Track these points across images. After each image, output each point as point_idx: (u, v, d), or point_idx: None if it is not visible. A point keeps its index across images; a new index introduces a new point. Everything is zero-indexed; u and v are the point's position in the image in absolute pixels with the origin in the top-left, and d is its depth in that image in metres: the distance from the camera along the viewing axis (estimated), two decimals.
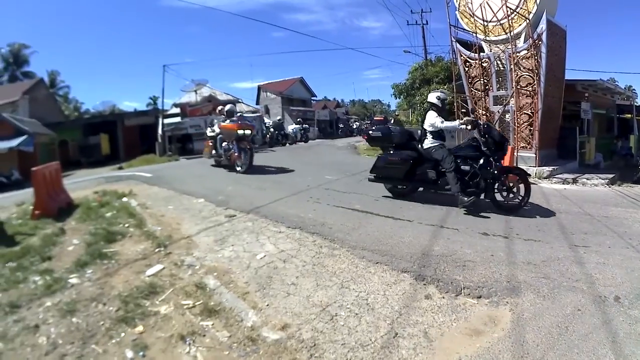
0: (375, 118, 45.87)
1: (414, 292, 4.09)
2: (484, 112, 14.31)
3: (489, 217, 6.89)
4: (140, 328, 3.43)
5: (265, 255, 4.94)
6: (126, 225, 6.35)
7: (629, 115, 21.63)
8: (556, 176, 12.29)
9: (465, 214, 7.09)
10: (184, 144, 25.47)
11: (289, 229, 5.97)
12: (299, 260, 4.80)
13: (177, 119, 26.65)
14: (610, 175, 12.62)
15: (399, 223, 6.47)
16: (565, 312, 3.70)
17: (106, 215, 7.01)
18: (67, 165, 23.94)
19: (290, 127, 31.93)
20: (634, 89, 29.79)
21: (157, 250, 5.22)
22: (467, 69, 14.71)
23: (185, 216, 7.00)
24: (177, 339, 3.28)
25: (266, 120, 32.67)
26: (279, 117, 33.80)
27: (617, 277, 4.47)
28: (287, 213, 6.89)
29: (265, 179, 11.03)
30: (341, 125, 40.49)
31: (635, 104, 21.81)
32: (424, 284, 4.23)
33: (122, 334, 3.34)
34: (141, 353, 3.11)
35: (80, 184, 11.81)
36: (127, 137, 29.58)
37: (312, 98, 53.97)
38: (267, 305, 3.83)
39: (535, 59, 12.42)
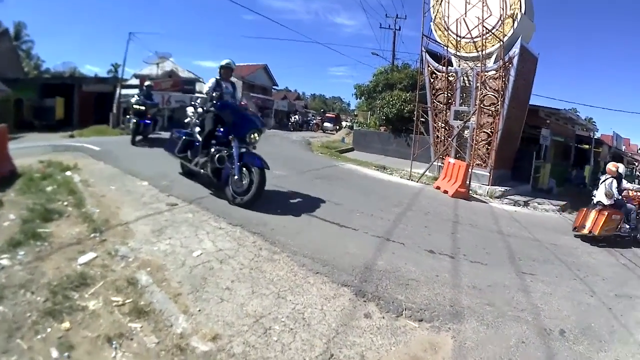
0: (327, 115, 46.16)
1: (353, 309, 3.90)
2: (443, 125, 14.36)
3: (438, 237, 6.76)
4: (67, 324, 3.16)
5: (202, 253, 4.62)
6: (65, 203, 6.02)
7: (587, 146, 22.33)
8: (508, 197, 12.45)
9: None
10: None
11: (229, 225, 5.64)
12: (237, 262, 4.51)
13: (135, 91, 25.77)
14: (562, 203, 12.95)
15: (344, 231, 6.26)
16: (509, 343, 3.65)
17: (47, 189, 6.70)
18: (20, 127, 23.20)
19: None
20: (594, 122, 30.87)
21: (92, 235, 4.87)
22: (432, 80, 14.79)
23: (126, 199, 6.60)
24: (103, 341, 3.03)
25: None
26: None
27: (563, 310, 4.48)
28: (230, 208, 6.52)
29: None
30: (296, 117, 39.72)
31: (594, 136, 22.47)
32: (364, 301, 4.05)
33: (49, 329, 3.07)
34: (66, 354, 2.89)
35: (28, 150, 11.25)
36: (83, 104, 28.14)
37: (274, 87, 53.43)
38: (199, 310, 3.55)
39: (502, 81, 12.54)
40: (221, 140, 7.14)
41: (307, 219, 6.55)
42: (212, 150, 7.08)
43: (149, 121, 14.14)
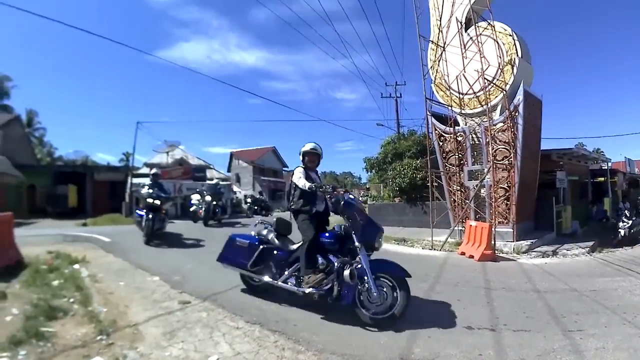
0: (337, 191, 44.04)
1: None
2: (458, 188, 14.06)
3: (474, 310, 6.24)
4: None
5: (218, 359, 4.19)
6: (71, 300, 5.79)
7: (602, 179, 21.98)
8: (535, 250, 11.97)
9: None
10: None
11: (247, 324, 5.23)
12: None
13: (147, 180, 26.09)
14: (590, 243, 12.55)
15: None
16: None
17: (53, 283, 6.54)
18: (33, 213, 24.69)
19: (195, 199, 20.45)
20: (602, 152, 30.63)
21: (98, 337, 4.52)
22: (441, 143, 14.62)
23: (136, 297, 6.34)
24: None
25: (236, 189, 32.33)
26: (259, 190, 33.23)
27: None
28: (247, 303, 6.15)
29: None
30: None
31: (608, 166, 22.20)
32: None
33: None
34: None
35: (38, 239, 11.46)
36: (96, 192, 28.89)
37: (284, 169, 54.18)
38: None
39: (511, 131, 12.35)
40: (328, 248, 5.82)
41: (331, 309, 5.88)
42: (321, 261, 5.72)
43: (163, 217, 12.64)
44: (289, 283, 5.98)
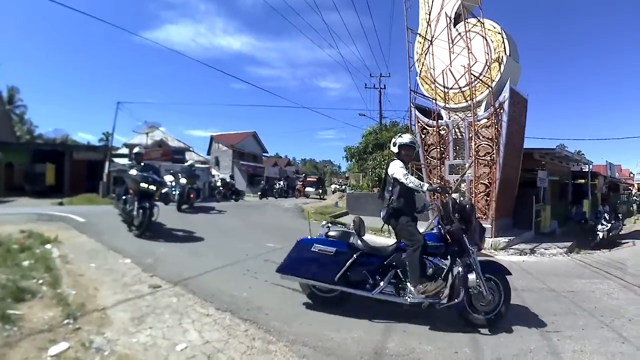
0: (308, 179, 40.40)
1: None
2: (438, 181, 14.03)
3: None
4: None
5: (186, 347, 4.04)
6: (40, 281, 5.59)
7: (583, 181, 22.24)
8: (513, 247, 12.02)
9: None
10: None
11: (218, 311, 5.09)
12: (226, 357, 3.92)
13: (125, 160, 25.76)
14: (568, 243, 12.65)
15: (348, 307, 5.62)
16: None
17: (24, 263, 6.35)
18: (10, 190, 24.93)
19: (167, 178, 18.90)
20: (583, 154, 31.12)
21: (66, 321, 4.36)
22: (423, 136, 14.49)
23: (106, 280, 6.16)
24: None
25: (214, 172, 32.03)
26: (230, 174, 32.74)
27: None
28: (219, 289, 6.01)
29: (203, 243, 10.18)
30: (280, 184, 36.03)
31: (589, 169, 22.46)
32: None
33: None
34: None
35: (13, 217, 11.48)
36: (74, 171, 28.72)
37: (264, 154, 54.91)
38: None
39: (495, 128, 12.30)
40: (433, 251, 5.37)
41: (304, 298, 5.81)
42: (433, 268, 5.32)
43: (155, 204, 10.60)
44: (387, 292, 5.33)
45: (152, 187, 10.28)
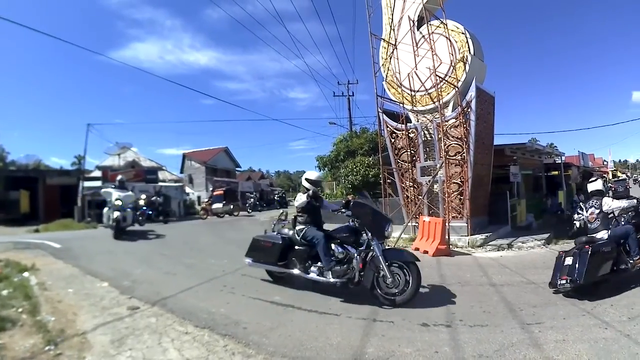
0: (215, 192, 33.38)
1: None
2: (411, 184, 14.17)
3: (429, 306, 6.17)
4: None
5: None
6: (19, 309, 5.61)
7: (556, 172, 22.65)
8: (490, 243, 12.14)
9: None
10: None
11: (197, 328, 5.07)
12: None
13: (98, 183, 25.51)
14: (545, 235, 12.85)
15: (324, 318, 5.65)
16: None
17: (2, 292, 6.39)
18: None
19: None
20: (555, 147, 31.70)
21: (46, 348, 4.35)
22: (393, 140, 14.65)
23: (84, 304, 6.14)
24: None
25: (188, 190, 31.71)
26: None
27: (583, 354, 4.15)
28: (197, 307, 6.00)
29: (178, 261, 10.11)
30: (251, 199, 35.77)
31: (561, 160, 22.84)
32: None
33: None
34: None
35: None
36: (48, 197, 28.33)
37: (237, 169, 54.69)
38: None
39: (464, 127, 12.47)
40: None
41: (282, 310, 5.97)
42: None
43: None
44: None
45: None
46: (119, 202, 13.65)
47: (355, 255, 6.44)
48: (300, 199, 6.96)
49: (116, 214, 13.30)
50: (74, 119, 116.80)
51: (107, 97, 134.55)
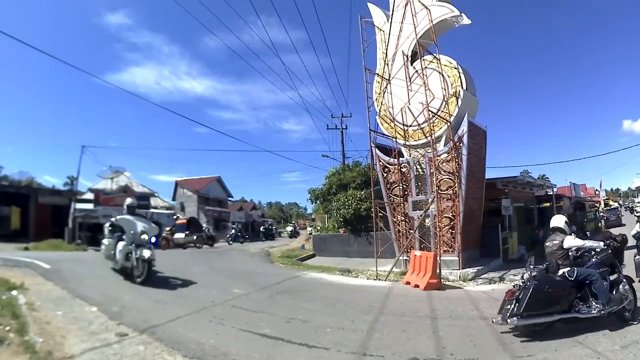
0: (178, 221, 30.48)
1: None
2: (402, 218, 14.23)
3: (419, 340, 6.18)
4: None
5: None
6: (7, 328, 5.57)
7: (548, 204, 22.75)
8: (482, 277, 12.15)
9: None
10: (94, 234, 22.99)
11: (185, 359, 5.04)
12: None
13: (90, 206, 25.46)
14: (538, 267, 12.66)
15: (314, 352, 5.58)
16: None
17: None
18: None
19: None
20: (547, 178, 31.92)
21: None
22: (385, 174, 14.81)
23: (73, 328, 6.12)
24: None
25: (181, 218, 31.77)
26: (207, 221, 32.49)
27: None
28: (186, 337, 5.96)
29: (168, 291, 9.83)
30: (233, 230, 34.59)
31: (553, 192, 23.00)
32: None
33: None
34: None
35: None
36: (40, 215, 28.15)
37: (229, 198, 54.80)
38: None
39: (456, 162, 12.62)
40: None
41: (272, 344, 5.89)
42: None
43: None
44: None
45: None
46: (145, 237, 10.51)
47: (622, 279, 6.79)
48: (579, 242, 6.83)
49: (146, 253, 10.07)
50: (68, 138, 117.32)
51: (102, 118, 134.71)
